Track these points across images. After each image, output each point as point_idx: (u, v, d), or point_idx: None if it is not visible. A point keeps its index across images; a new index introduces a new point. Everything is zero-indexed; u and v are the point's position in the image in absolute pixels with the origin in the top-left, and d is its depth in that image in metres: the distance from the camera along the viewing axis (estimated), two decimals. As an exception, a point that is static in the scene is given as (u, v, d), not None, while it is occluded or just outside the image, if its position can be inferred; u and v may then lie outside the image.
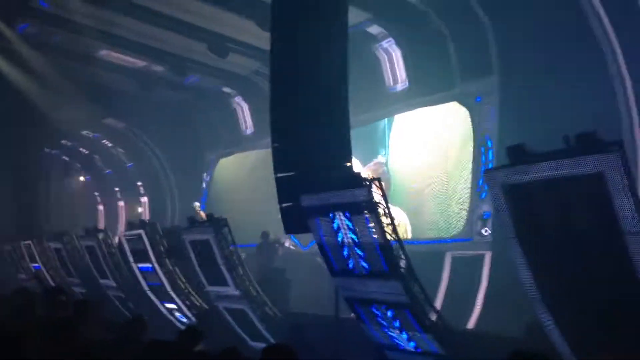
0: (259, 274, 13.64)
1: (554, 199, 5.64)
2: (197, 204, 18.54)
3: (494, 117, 13.06)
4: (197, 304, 13.17)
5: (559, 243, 5.75)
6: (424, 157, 14.97)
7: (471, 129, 13.63)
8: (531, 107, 11.76)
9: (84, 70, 17.93)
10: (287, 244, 17.61)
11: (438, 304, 13.18)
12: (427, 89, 14.42)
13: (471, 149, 13.59)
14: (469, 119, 13.70)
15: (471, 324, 12.32)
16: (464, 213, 13.65)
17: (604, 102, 10.78)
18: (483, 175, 6.20)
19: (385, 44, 15.25)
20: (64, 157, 26.50)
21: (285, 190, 9.95)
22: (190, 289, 13.24)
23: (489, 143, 13.06)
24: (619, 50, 10.42)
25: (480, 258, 12.99)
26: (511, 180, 5.85)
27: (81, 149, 25.88)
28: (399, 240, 7.91)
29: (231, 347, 5.46)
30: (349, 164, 9.34)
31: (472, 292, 12.79)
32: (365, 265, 8.11)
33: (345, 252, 8.30)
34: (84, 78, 18.16)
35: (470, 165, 13.51)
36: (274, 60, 10.18)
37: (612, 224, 5.16)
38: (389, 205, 7.84)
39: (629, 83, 10.39)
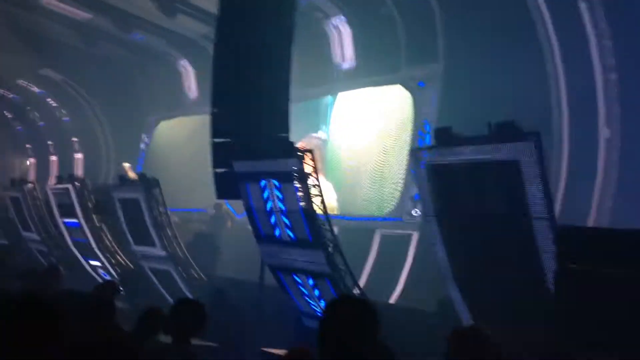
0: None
1: (473, 182, 5.89)
2: (126, 164, 18.08)
3: (434, 103, 13.33)
4: (123, 262, 13.05)
5: (473, 224, 6.02)
6: (364, 136, 15.15)
7: (412, 113, 13.88)
8: (471, 96, 12.06)
9: (23, 16, 17.20)
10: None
11: (363, 278, 13.53)
12: (373, 69, 14.55)
13: (410, 132, 13.85)
14: (411, 103, 13.94)
15: (393, 299, 12.66)
16: (397, 194, 13.93)
17: (539, 95, 11.20)
18: (409, 154, 6.38)
19: (336, 21, 15.28)
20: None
21: (220, 155, 9.96)
22: (116, 248, 13.09)
23: (427, 127, 13.33)
24: (556, 46, 10.84)
25: (408, 238, 13.33)
26: (434, 160, 6.07)
27: (14, 97, 24.85)
28: (325, 212, 8.06)
29: (155, 307, 5.44)
30: (285, 135, 9.40)
31: (397, 269, 13.12)
32: (291, 234, 8.24)
33: (273, 219, 8.42)
34: (23, 25, 17.43)
35: (407, 148, 13.75)
36: (220, 27, 10.12)
37: (522, 209, 5.44)
38: (320, 178, 7.99)
39: (562, 78, 10.84)
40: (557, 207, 10.24)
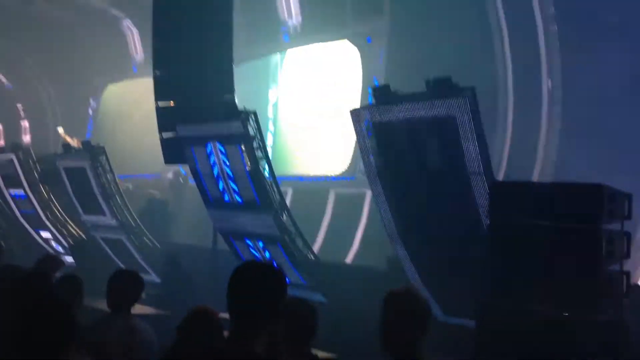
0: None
1: (412, 139, 5.91)
2: (60, 128, 17.31)
3: (382, 59, 13.25)
4: (75, 233, 12.83)
5: (414, 181, 6.08)
6: (313, 95, 15.04)
7: (360, 69, 13.78)
8: (418, 51, 12.02)
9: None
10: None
11: (320, 239, 13.62)
12: (320, 25, 14.32)
13: (360, 89, 13.77)
14: (359, 59, 13.82)
15: (349, 259, 12.80)
16: (349, 152, 13.93)
17: (484, 47, 11.23)
18: (350, 112, 6.34)
19: (281, -26, 14.96)
20: None
21: (166, 119, 9.76)
22: (67, 218, 12.84)
23: (376, 84, 13.26)
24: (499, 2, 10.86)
25: (362, 196, 13.39)
26: (374, 118, 6.04)
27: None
28: (272, 174, 8.03)
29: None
30: (229, 96, 9.23)
31: (352, 229, 13.22)
32: (239, 198, 8.20)
33: (220, 183, 8.35)
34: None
35: (357, 105, 13.71)
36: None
37: (460, 165, 5.50)
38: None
39: (505, 33, 10.87)
40: (503, 162, 10.49)
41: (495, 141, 10.21)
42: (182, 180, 17.18)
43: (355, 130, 6.35)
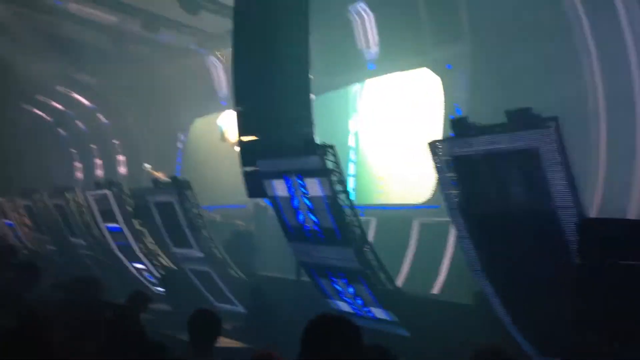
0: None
1: (493, 172, 5.70)
2: (147, 165, 18.25)
3: (464, 85, 12.98)
4: (165, 264, 13.26)
5: (497, 215, 5.84)
6: (395, 123, 14.93)
7: (442, 97, 13.56)
8: (502, 76, 11.69)
9: (55, 23, 17.55)
10: None
11: (405, 269, 13.39)
12: (398, 54, 14.23)
13: (442, 117, 13.54)
14: (441, 86, 13.61)
15: (436, 289, 12.49)
16: (433, 180, 13.68)
17: (572, 73, 10.76)
18: (427, 145, 6.22)
19: (357, 6, 15.01)
20: (38, 112, 26.09)
21: (248, 154, 9.97)
22: (158, 250, 13.30)
23: (458, 112, 13.00)
24: (585, 21, 10.36)
25: (448, 224, 13.06)
26: (453, 152, 5.89)
27: (55, 105, 25.48)
28: (352, 208, 7.97)
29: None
30: (308, 129, 9.31)
31: (439, 259, 12.92)
32: (319, 232, 8.19)
33: (300, 217, 8.37)
34: (54, 32, 17.79)
35: (440, 133, 13.48)
36: (235, 24, 10.08)
37: (545, 199, 5.24)
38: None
39: (594, 57, 10.36)
40: (596, 195, 9.85)
41: (586, 171, 9.63)
42: (266, 211, 17.46)
43: (434, 163, 6.21)
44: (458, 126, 5.83)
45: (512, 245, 5.85)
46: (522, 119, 5.24)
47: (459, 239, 6.27)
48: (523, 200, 5.52)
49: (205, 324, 4.67)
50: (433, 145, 6.11)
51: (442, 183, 6.20)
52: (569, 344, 5.77)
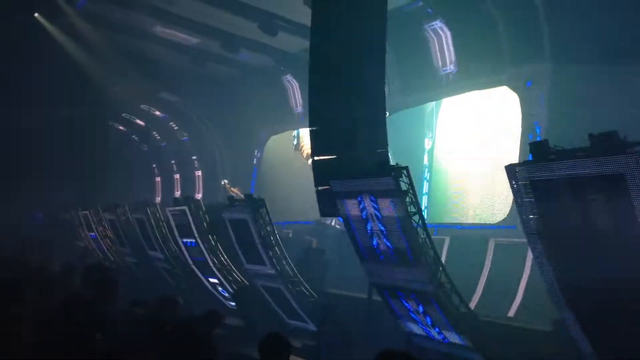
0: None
1: (576, 197, 5.48)
2: (226, 181, 18.72)
3: (543, 104, 12.64)
4: (238, 279, 13.48)
5: (580, 241, 5.61)
6: (471, 141, 14.71)
7: (520, 115, 13.24)
8: (582, 95, 11.32)
9: (139, 45, 18.39)
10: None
11: (479, 290, 13.07)
12: (476, 72, 14.03)
13: (520, 135, 13.22)
14: (518, 105, 13.30)
15: (512, 312, 12.12)
16: (510, 200, 13.34)
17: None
18: (505, 168, 6.06)
19: (435, 25, 14.91)
20: (122, 129, 27.33)
21: (322, 173, 10.02)
22: (232, 265, 13.54)
23: (537, 130, 12.67)
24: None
25: (524, 246, 12.65)
26: (533, 176, 5.71)
27: (138, 122, 26.61)
28: (425, 229, 7.86)
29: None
30: (382, 150, 9.28)
31: (515, 280, 12.55)
32: (392, 253, 8.11)
33: (373, 238, 8.33)
34: (138, 53, 18.63)
35: (517, 152, 13.15)
36: (313, 44, 10.20)
37: (632, 225, 4.99)
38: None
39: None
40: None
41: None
42: (338, 227, 17.51)
43: (512, 186, 6.04)
44: (538, 150, 5.65)
45: (595, 273, 5.59)
46: (606, 142, 5.02)
47: (538, 264, 6.04)
48: (607, 226, 5.27)
49: (276, 347, 4.72)
50: (511, 169, 5.94)
51: (520, 207, 6.01)
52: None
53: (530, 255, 12.51)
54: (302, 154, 19.66)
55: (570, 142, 5.81)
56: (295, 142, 20.70)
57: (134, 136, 27.84)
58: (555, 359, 7.27)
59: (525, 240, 12.74)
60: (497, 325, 9.20)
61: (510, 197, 13.32)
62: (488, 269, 13.37)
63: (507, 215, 13.43)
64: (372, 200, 7.94)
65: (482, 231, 13.98)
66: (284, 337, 4.82)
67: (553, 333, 7.72)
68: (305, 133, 18.11)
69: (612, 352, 6.01)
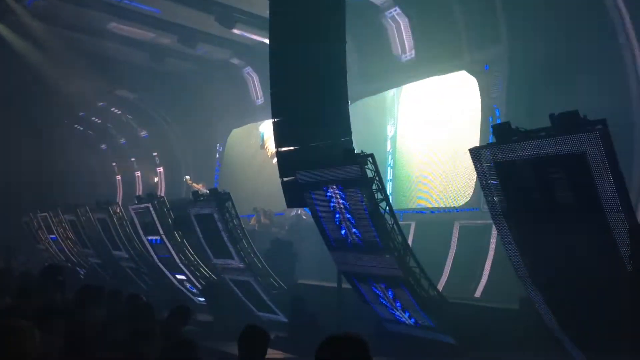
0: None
1: (539, 178, 5.58)
2: (187, 177, 18.59)
3: (501, 87, 12.82)
4: (206, 275, 13.39)
5: (543, 221, 5.72)
6: (432, 127, 14.83)
7: (479, 98, 13.41)
8: (540, 76, 11.52)
9: (94, 43, 17.97)
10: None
11: (446, 272, 13.25)
12: (435, 57, 14.12)
13: (480, 118, 13.39)
14: (477, 88, 13.46)
15: (478, 293, 12.33)
16: (472, 183, 13.53)
17: (613, 72, 10.50)
18: (469, 152, 6.13)
19: (392, 12, 14.96)
20: (79, 128, 26.72)
21: (286, 164, 10.01)
22: (199, 261, 13.44)
23: (497, 112, 12.85)
24: (628, 21, 10.10)
25: (488, 227, 12.88)
26: (497, 158, 5.79)
27: (96, 120, 26.07)
28: (393, 215, 7.92)
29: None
30: (346, 138, 9.30)
31: (480, 261, 12.75)
32: (360, 241, 8.16)
33: (341, 227, 8.35)
34: (94, 51, 18.22)
35: (478, 135, 13.33)
36: (272, 35, 10.15)
37: (594, 204, 5.11)
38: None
39: (637, 52, 10.09)
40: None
41: (632, 173, 9.35)
42: (305, 218, 17.51)
43: (476, 169, 6.12)
44: (501, 132, 5.73)
45: (559, 251, 5.72)
46: (567, 122, 5.12)
47: (504, 245, 6.15)
48: (570, 205, 5.39)
49: (255, 340, 4.69)
50: (475, 152, 6.02)
51: (485, 189, 6.10)
52: (619, 349, 5.64)
53: (494, 236, 12.76)
54: (267, 153, 19.56)
55: (529, 125, 5.91)
56: (260, 142, 20.60)
57: (90, 132, 27.19)
58: (523, 336, 7.42)
59: (489, 221, 13.05)
60: (466, 306, 9.37)
61: (472, 180, 13.55)
62: (454, 252, 13.56)
63: (470, 197, 13.62)
64: (339, 189, 7.96)
65: (447, 215, 14.14)
66: (262, 329, 4.80)
67: (519, 311, 7.88)
68: (269, 135, 18.05)
69: (577, 325, 6.17)
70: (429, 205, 14.80)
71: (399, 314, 8.69)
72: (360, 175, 7.59)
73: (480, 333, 7.99)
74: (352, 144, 9.30)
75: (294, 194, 9.61)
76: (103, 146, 28.08)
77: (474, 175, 13.30)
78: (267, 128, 19.75)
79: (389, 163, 16.08)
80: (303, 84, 9.56)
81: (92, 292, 6.44)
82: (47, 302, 5.88)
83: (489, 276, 12.51)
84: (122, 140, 26.99)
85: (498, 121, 12.75)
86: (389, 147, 16.30)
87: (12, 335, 3.46)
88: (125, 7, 16.35)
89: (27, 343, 3.42)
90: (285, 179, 9.97)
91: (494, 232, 12.77)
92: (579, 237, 5.46)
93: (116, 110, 25.04)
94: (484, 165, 5.93)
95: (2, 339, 3.40)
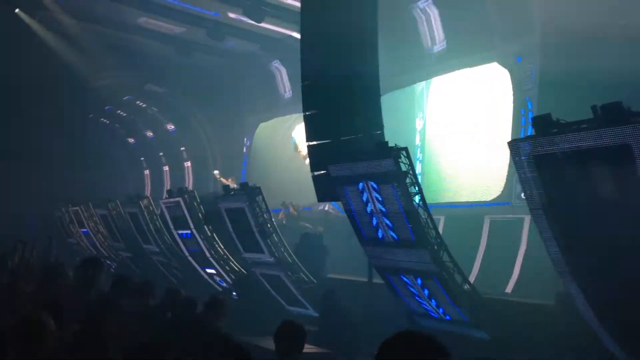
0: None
1: (581, 170, 5.47)
2: (216, 172, 18.67)
3: (534, 78, 12.62)
4: (236, 269, 13.43)
5: (585, 215, 5.61)
6: (462, 120, 14.66)
7: (511, 91, 13.22)
8: (573, 68, 11.30)
9: (123, 37, 18.14)
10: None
11: (476, 267, 13.11)
12: (465, 49, 13.96)
13: (511, 111, 13.20)
14: (509, 81, 13.27)
15: (509, 288, 12.19)
16: (503, 177, 13.36)
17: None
18: (508, 145, 6.02)
19: (422, 3, 14.80)
20: (106, 122, 26.99)
21: (317, 158, 9.98)
22: (229, 255, 13.48)
23: (529, 105, 12.66)
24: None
25: (520, 222, 12.74)
26: (536, 151, 5.68)
27: (125, 114, 26.31)
28: (427, 209, 7.84)
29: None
30: (378, 132, 9.23)
31: (511, 256, 12.60)
32: (394, 235, 8.09)
33: (374, 221, 8.30)
34: (123, 45, 18.39)
35: (509, 128, 13.15)
36: (303, 28, 10.09)
37: (638, 196, 4.98)
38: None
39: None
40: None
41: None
42: (332, 212, 17.49)
43: (515, 162, 6.01)
44: (541, 124, 5.61)
45: (601, 246, 5.60)
46: (610, 114, 5.00)
47: (543, 240, 6.03)
48: (614, 198, 5.27)
49: (292, 335, 4.69)
50: (514, 144, 5.91)
51: (523, 183, 5.99)
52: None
53: (526, 231, 12.60)
54: (300, 156, 19.53)
55: (563, 117, 5.78)
56: (293, 147, 20.65)
57: (117, 126, 27.42)
58: (559, 333, 7.30)
59: (520, 216, 12.88)
60: (499, 302, 9.24)
61: (503, 174, 13.39)
62: (484, 247, 13.42)
63: (501, 192, 13.45)
64: (372, 183, 7.90)
65: (477, 209, 13.99)
66: (299, 325, 4.78)
67: (557, 308, 7.75)
68: (301, 139, 18.08)
69: (618, 322, 6.05)
70: (459, 200, 14.65)
71: (431, 309, 8.61)
72: (394, 168, 7.52)
73: (515, 329, 7.88)
74: (384, 137, 9.23)
75: (326, 189, 9.57)
76: (131, 140, 28.34)
77: (505, 169, 13.30)
78: (298, 133, 19.71)
79: (418, 157, 15.96)
80: (334, 76, 9.49)
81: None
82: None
83: (520, 272, 12.36)
84: (150, 135, 27.19)
85: (530, 114, 12.58)
86: (417, 141, 16.18)
87: (34, 325, 3.61)
88: (155, 1, 16.44)
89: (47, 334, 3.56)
90: (316, 173, 9.94)
91: (526, 226, 12.63)
92: (622, 232, 5.33)
93: (142, 104, 25.21)
94: (523, 158, 5.82)
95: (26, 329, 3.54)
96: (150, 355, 3.63)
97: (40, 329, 3.76)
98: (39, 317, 3.84)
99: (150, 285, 7.22)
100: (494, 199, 13.66)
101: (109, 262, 17.57)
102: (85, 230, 19.32)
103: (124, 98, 24.12)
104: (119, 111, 26.11)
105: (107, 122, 27.08)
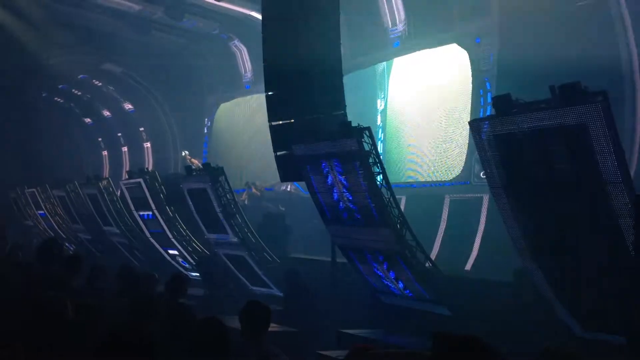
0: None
1: (539, 150, 5.61)
2: (186, 152, 18.52)
3: (492, 59, 12.82)
4: (199, 250, 13.38)
5: (543, 194, 5.77)
6: (423, 101, 14.82)
7: (470, 72, 13.39)
8: (531, 49, 11.51)
9: (79, 14, 17.64)
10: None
11: (437, 246, 13.37)
12: (426, 30, 14.10)
13: (471, 91, 13.40)
14: (468, 61, 13.44)
15: (468, 266, 12.46)
16: (463, 156, 13.59)
17: (606, 45, 10.52)
18: (469, 124, 6.15)
19: (383, -17, 14.86)
20: (60, 101, 26.24)
21: (280, 138, 9.97)
22: (191, 236, 13.42)
23: (488, 85, 12.87)
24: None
25: (479, 201, 13.01)
26: (496, 130, 5.81)
27: (80, 94, 25.65)
28: (389, 189, 7.94)
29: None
30: (341, 112, 9.27)
31: (471, 234, 12.87)
32: (357, 214, 8.18)
33: (337, 200, 8.37)
34: (79, 22, 17.90)
35: (469, 109, 13.35)
36: (264, 7, 10.02)
37: (594, 175, 5.15)
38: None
39: (629, 23, 10.11)
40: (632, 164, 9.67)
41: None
42: (294, 192, 17.54)
43: (476, 142, 6.13)
44: (500, 104, 5.73)
45: (559, 223, 5.78)
46: (568, 94, 5.14)
47: (503, 217, 6.20)
48: (570, 177, 5.43)
49: (258, 314, 4.72)
50: (475, 124, 6.03)
51: (484, 162, 6.13)
52: (617, 319, 5.75)
53: (485, 210, 12.88)
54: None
55: (522, 97, 5.90)
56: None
57: (72, 105, 26.68)
58: (517, 308, 7.52)
59: (479, 195, 13.12)
60: (460, 279, 9.46)
61: (463, 153, 13.63)
62: (444, 226, 13.67)
63: (461, 171, 13.69)
64: (335, 162, 7.95)
65: (437, 189, 14.23)
66: (264, 304, 4.82)
67: (515, 284, 7.97)
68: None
69: (573, 295, 6.27)
70: (420, 179, 14.86)
71: (393, 286, 8.76)
72: (357, 148, 7.58)
73: (475, 304, 8.08)
74: (346, 117, 9.27)
75: (289, 168, 9.60)
76: (88, 120, 27.69)
77: (465, 149, 13.54)
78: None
79: (380, 137, 16.07)
80: (296, 56, 9.47)
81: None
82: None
83: (479, 249, 12.64)
84: (109, 115, 26.60)
85: (489, 95, 12.81)
86: (379, 121, 16.28)
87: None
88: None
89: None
90: (279, 153, 9.94)
91: (485, 205, 12.92)
92: (579, 208, 5.52)
93: (97, 83, 24.61)
94: (483, 137, 5.94)
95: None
96: None
97: None
98: None
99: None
100: (454, 179, 13.90)
101: (67, 245, 17.27)
102: (42, 212, 18.92)
103: (79, 77, 23.48)
104: (73, 90, 25.40)
105: (62, 101, 26.35)
